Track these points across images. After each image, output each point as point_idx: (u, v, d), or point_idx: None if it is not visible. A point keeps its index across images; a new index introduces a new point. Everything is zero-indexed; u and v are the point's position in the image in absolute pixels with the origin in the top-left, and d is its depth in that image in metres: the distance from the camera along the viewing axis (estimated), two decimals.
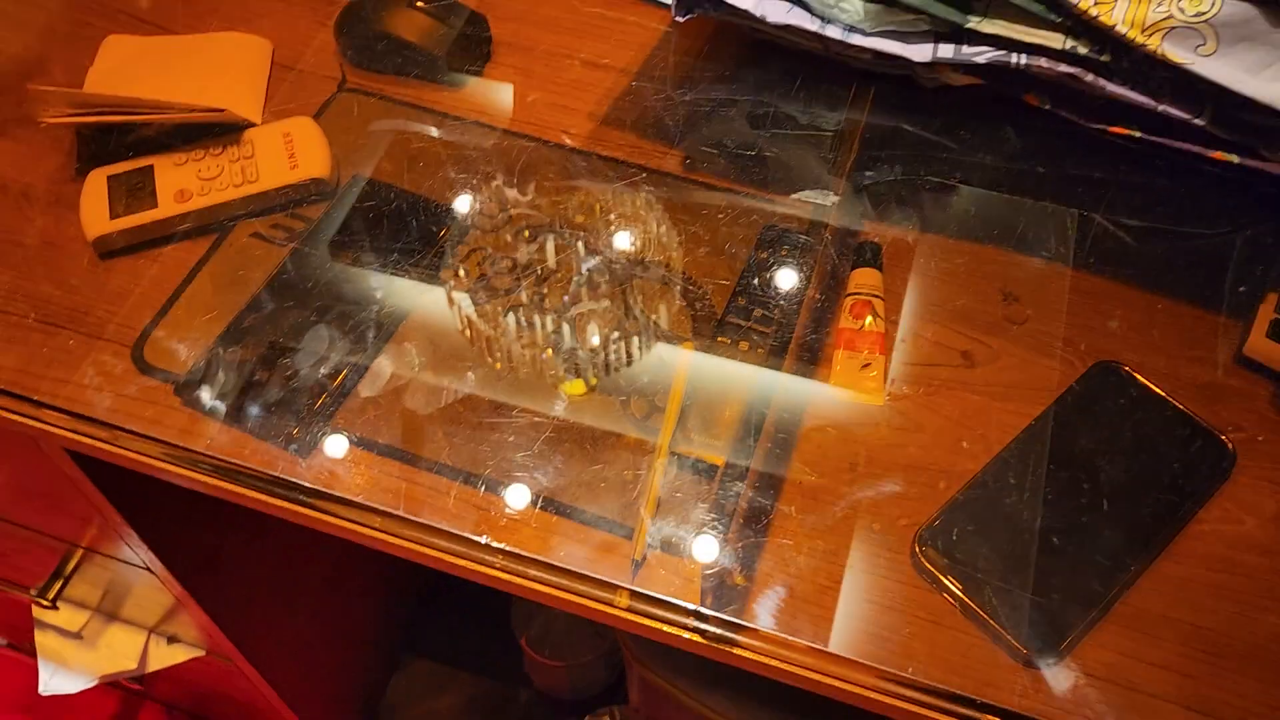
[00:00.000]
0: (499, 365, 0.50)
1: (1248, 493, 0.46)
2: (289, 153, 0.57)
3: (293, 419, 0.48)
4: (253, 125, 0.59)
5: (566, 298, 0.51)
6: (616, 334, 0.50)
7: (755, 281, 0.53)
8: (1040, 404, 0.49)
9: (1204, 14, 0.46)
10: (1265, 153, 0.51)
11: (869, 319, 0.52)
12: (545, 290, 0.52)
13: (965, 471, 0.47)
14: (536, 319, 0.50)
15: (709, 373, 0.49)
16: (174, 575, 0.65)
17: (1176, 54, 0.47)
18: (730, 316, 0.51)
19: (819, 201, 0.55)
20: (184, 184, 0.56)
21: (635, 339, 0.50)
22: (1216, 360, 0.50)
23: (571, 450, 0.47)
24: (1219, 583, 0.44)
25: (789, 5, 0.54)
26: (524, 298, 0.51)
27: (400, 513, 0.45)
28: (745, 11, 0.54)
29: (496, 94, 0.60)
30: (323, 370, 0.50)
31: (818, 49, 0.56)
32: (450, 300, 0.52)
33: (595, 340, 0.49)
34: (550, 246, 0.53)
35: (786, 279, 0.53)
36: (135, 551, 0.65)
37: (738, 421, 0.48)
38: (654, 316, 0.51)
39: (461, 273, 0.53)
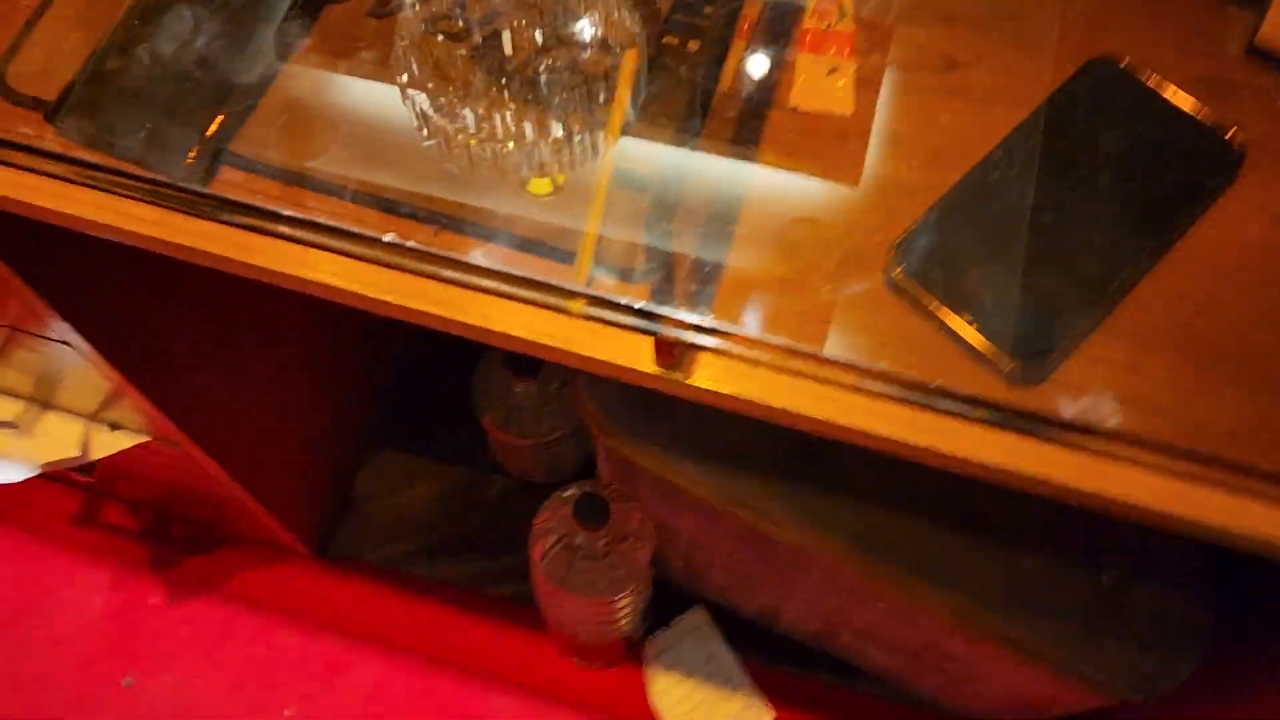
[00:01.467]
0: (460, 163, 0.43)
1: (1256, 194, 0.43)
2: None
3: (187, 140, 0.43)
4: None
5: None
6: (551, 39, 0.44)
7: None
8: (1029, 107, 0.44)
9: None
10: None
11: (836, 18, 0.46)
12: (507, 86, 0.45)
13: (945, 183, 0.43)
14: (499, 116, 0.44)
15: (654, 76, 0.44)
16: (100, 352, 0.61)
17: None
18: (677, 13, 0.45)
19: None
20: None
21: (571, 46, 0.44)
22: (1226, 53, 0.46)
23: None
24: (1220, 289, 0.40)
25: None
26: (482, 88, 0.44)
27: (333, 223, 0.40)
28: None
29: None
30: (223, 81, 0.44)
31: None
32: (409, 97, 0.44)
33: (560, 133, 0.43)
34: (511, 39, 0.46)
35: None
36: (56, 329, 0.61)
37: (688, 127, 0.43)
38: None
39: (418, 65, 0.45)
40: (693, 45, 0.45)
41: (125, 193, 0.42)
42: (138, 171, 0.42)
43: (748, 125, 0.44)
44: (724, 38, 0.45)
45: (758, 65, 0.45)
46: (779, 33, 0.46)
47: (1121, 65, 0.45)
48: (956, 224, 0.42)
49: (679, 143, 0.43)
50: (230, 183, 0.43)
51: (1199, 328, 0.40)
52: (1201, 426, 0.38)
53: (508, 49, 0.42)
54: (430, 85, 0.41)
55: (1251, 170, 0.43)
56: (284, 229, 0.41)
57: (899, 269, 0.40)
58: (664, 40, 0.45)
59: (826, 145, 0.44)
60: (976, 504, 0.67)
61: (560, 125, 0.41)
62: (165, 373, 0.67)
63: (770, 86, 0.45)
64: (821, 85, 0.45)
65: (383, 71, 0.45)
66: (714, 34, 0.45)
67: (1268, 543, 0.37)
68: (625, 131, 0.43)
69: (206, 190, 0.42)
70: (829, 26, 0.46)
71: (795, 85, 0.45)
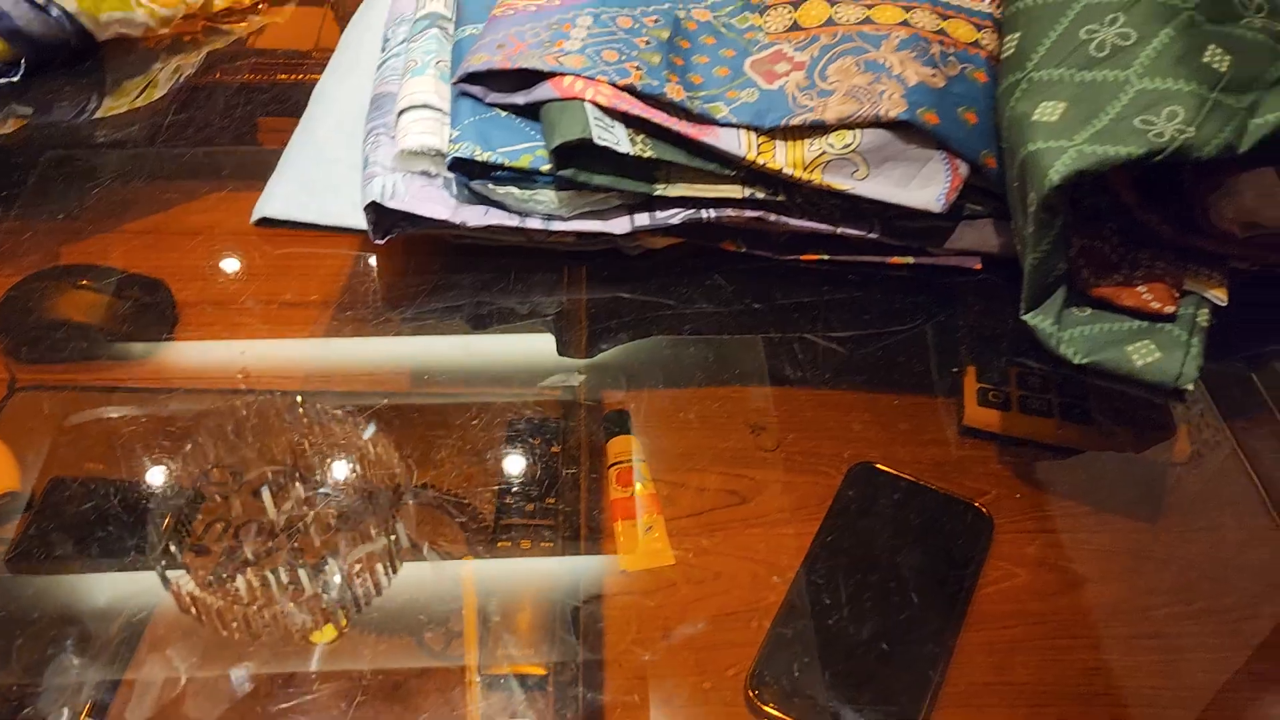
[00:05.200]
0: (240, 633, 0.48)
1: (1010, 547, 0.54)
2: None
3: None
4: None
5: (297, 544, 0.51)
6: (369, 566, 0.51)
7: (519, 477, 0.55)
8: (816, 519, 0.54)
9: (850, 145, 0.56)
10: (931, 249, 0.61)
11: (637, 484, 0.56)
12: (276, 545, 0.51)
13: (771, 604, 0.51)
14: (271, 575, 0.50)
15: (497, 582, 0.51)
16: None
17: (837, 182, 0.57)
18: (503, 518, 0.53)
19: (564, 384, 0.59)
20: None
21: (392, 570, 0.51)
22: (947, 438, 0.59)
23: (382, 708, 0.46)
24: (1017, 637, 0.50)
25: (485, 207, 0.59)
26: (251, 554, 0.50)
27: None
28: (443, 221, 0.58)
29: (193, 355, 0.60)
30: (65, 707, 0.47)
31: (523, 241, 0.61)
32: (172, 582, 0.50)
33: (338, 579, 0.49)
34: (271, 498, 0.53)
35: (548, 466, 0.56)
36: None
37: (540, 623, 0.50)
38: (420, 540, 0.52)
39: (178, 548, 0.51)
40: (524, 544, 0.52)
41: None
42: None
43: (590, 596, 0.51)
44: (554, 538, 0.53)
45: (586, 544, 0.53)
46: (592, 515, 0.55)
47: (877, 466, 0.57)
48: (788, 645, 0.49)
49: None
50: None
51: (1012, 674, 0.49)
52: None
53: (270, 510, 0.48)
54: (193, 563, 0.46)
55: (1000, 529, 0.54)
56: None
57: (757, 699, 0.47)
58: (499, 544, 0.52)
59: (662, 598, 0.51)
60: None
61: (338, 568, 0.46)
62: None
63: (599, 557, 0.53)
64: (641, 545, 0.54)
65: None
66: (542, 531, 0.53)
67: None
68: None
69: None
70: (632, 493, 0.56)
71: (620, 552, 0.53)
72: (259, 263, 0.65)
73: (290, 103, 0.77)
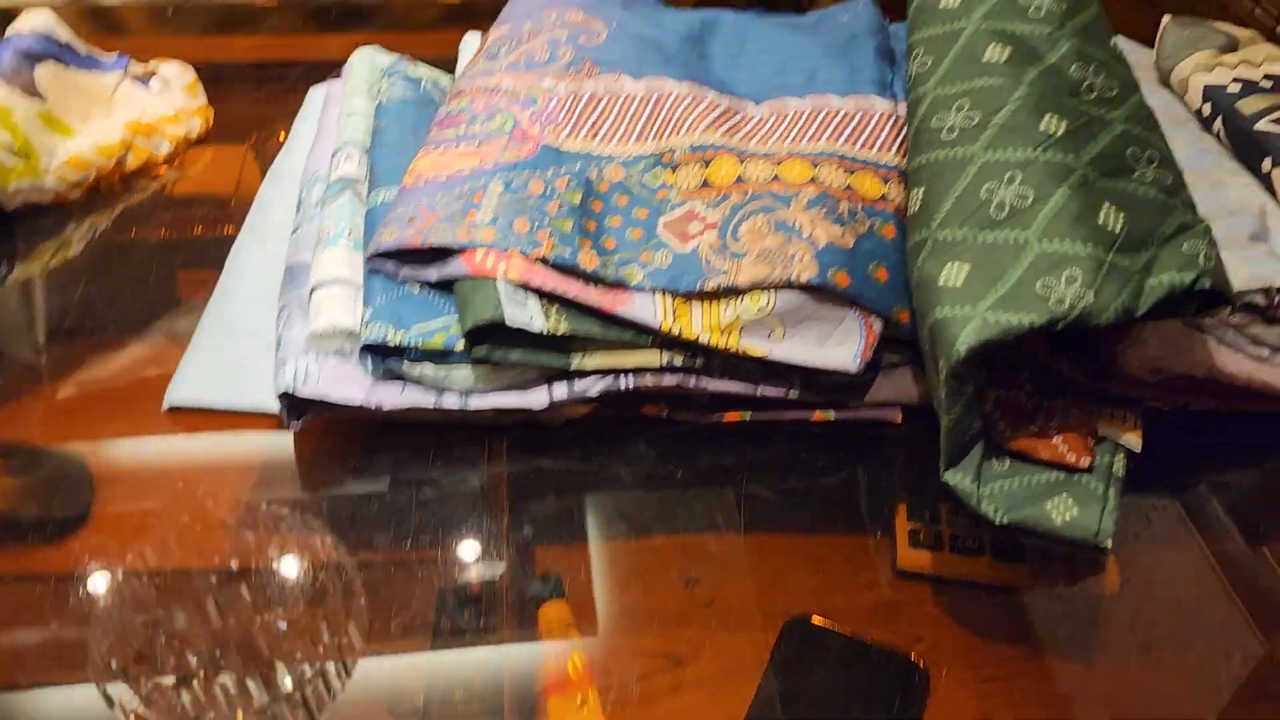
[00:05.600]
0: None
1: (950, 698, 0.53)
2: None
3: None
4: None
5: None
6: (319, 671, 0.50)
7: (448, 654, 0.54)
8: (754, 676, 0.54)
9: (765, 308, 0.57)
10: (854, 404, 0.62)
11: (569, 656, 0.55)
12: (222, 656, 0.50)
13: None
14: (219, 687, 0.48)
15: None
16: None
17: (754, 347, 0.57)
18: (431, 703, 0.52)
19: (489, 556, 0.58)
20: None
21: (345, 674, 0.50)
22: (881, 581, 0.59)
23: None
24: None
25: (401, 385, 0.59)
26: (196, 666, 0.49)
27: None
28: (358, 405, 0.58)
29: (106, 544, 0.59)
30: None
31: (437, 418, 0.61)
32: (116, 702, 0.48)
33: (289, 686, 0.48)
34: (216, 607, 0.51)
35: (475, 643, 0.55)
36: None
37: None
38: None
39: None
40: None
41: None
42: None
43: None
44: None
45: None
46: (524, 690, 0.54)
47: (811, 621, 0.57)
48: None
49: None
50: None
51: None
52: None
53: (214, 619, 0.46)
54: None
55: (937, 676, 0.54)
56: None
57: None
58: None
59: None
60: None
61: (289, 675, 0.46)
62: None
63: None
64: (573, 717, 0.53)
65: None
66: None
67: None
68: None
69: None
70: (564, 666, 0.55)
71: None
72: (170, 449, 0.64)
73: (210, 257, 0.76)
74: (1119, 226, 0.53)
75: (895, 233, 0.61)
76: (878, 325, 0.58)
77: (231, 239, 0.77)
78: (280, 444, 0.63)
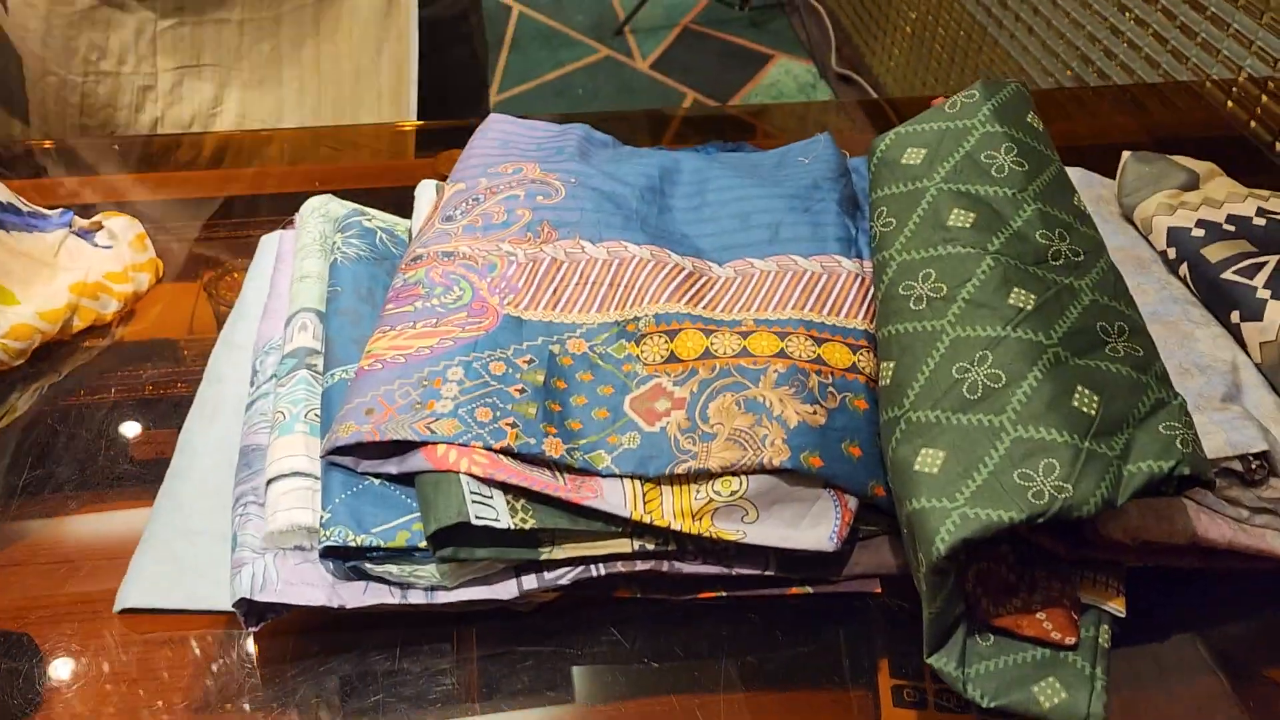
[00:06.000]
0: None
1: None
2: None
3: None
4: None
5: None
6: None
7: None
8: None
9: (737, 491, 0.56)
10: (831, 579, 0.60)
11: None
12: None
13: None
14: None
15: None
16: None
17: (727, 530, 0.56)
18: None
19: None
20: None
21: None
22: None
23: None
24: None
25: (364, 584, 0.57)
26: None
27: None
28: (320, 607, 0.56)
29: None
30: None
31: (408, 610, 0.59)
32: None
33: None
34: None
35: None
36: None
37: None
38: None
39: None
40: None
41: None
42: None
43: None
44: None
45: None
46: None
47: None
48: None
49: None
50: None
51: None
52: None
53: None
54: None
55: None
56: None
57: None
58: None
59: None
60: None
61: None
62: None
63: None
64: None
65: None
66: None
67: None
68: None
69: None
70: None
71: None
72: (126, 642, 0.61)
73: (164, 419, 0.74)
74: (1094, 409, 0.52)
75: (867, 405, 0.60)
76: (853, 503, 0.57)
77: (185, 398, 0.74)
78: (237, 642, 0.61)
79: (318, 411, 0.63)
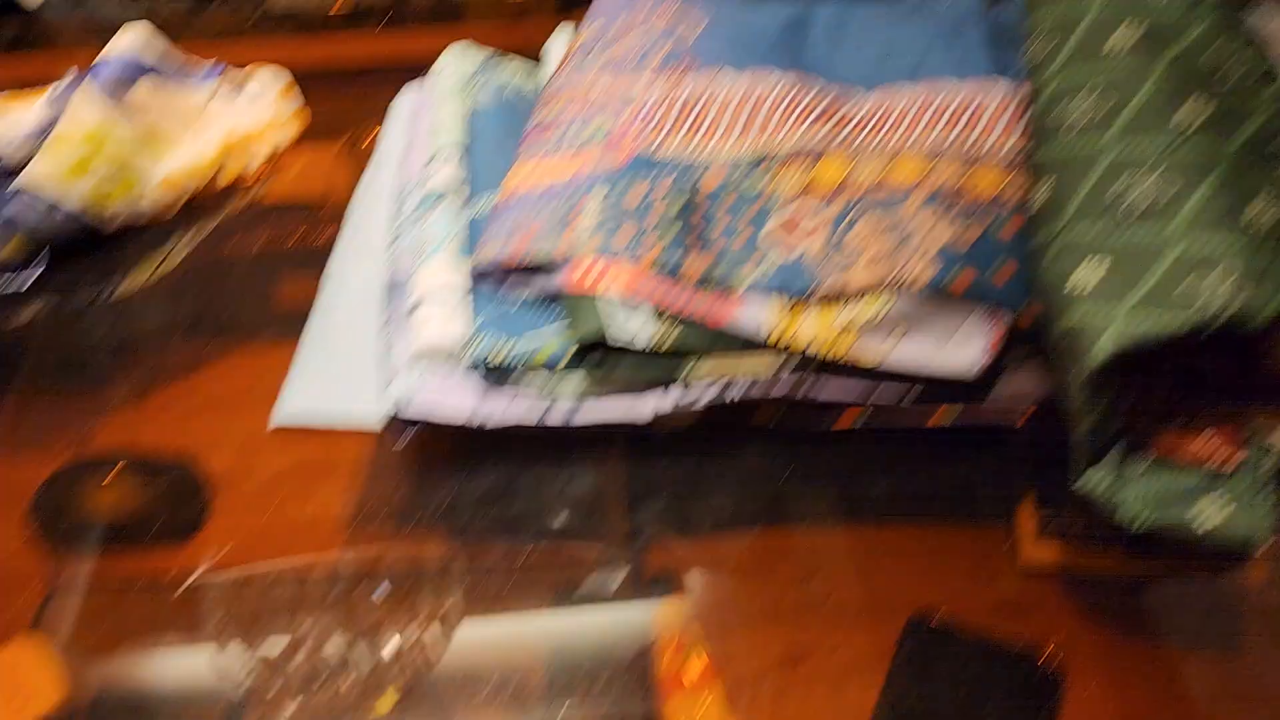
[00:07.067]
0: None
1: (1085, 701, 0.52)
2: (13, 690, 0.54)
3: None
4: None
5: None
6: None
7: (570, 655, 0.55)
8: (876, 675, 0.53)
9: (879, 313, 0.55)
10: (973, 408, 0.59)
11: (689, 655, 0.55)
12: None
13: None
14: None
15: None
16: None
17: (869, 352, 0.56)
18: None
19: (604, 557, 0.58)
20: None
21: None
22: (1008, 576, 0.57)
23: None
24: None
25: (506, 400, 0.58)
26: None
27: None
28: (464, 423, 0.58)
29: (228, 539, 0.60)
30: None
31: (546, 430, 0.60)
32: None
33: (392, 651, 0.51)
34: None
35: (591, 644, 0.55)
36: None
37: None
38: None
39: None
40: None
41: None
42: None
43: None
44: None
45: None
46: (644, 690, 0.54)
47: (934, 621, 0.55)
48: None
49: None
50: None
51: None
52: None
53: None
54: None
55: (1070, 683, 0.52)
56: None
57: None
58: None
59: None
60: None
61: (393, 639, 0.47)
62: None
63: None
64: (698, 717, 0.53)
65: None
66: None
67: None
68: None
69: None
70: (683, 666, 0.54)
71: None
72: (285, 457, 0.65)
73: (309, 266, 0.77)
74: (1271, 219, 0.50)
75: (1017, 230, 0.58)
76: (999, 328, 0.56)
77: (329, 246, 0.77)
78: (389, 456, 0.64)
79: (461, 240, 0.64)
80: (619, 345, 0.55)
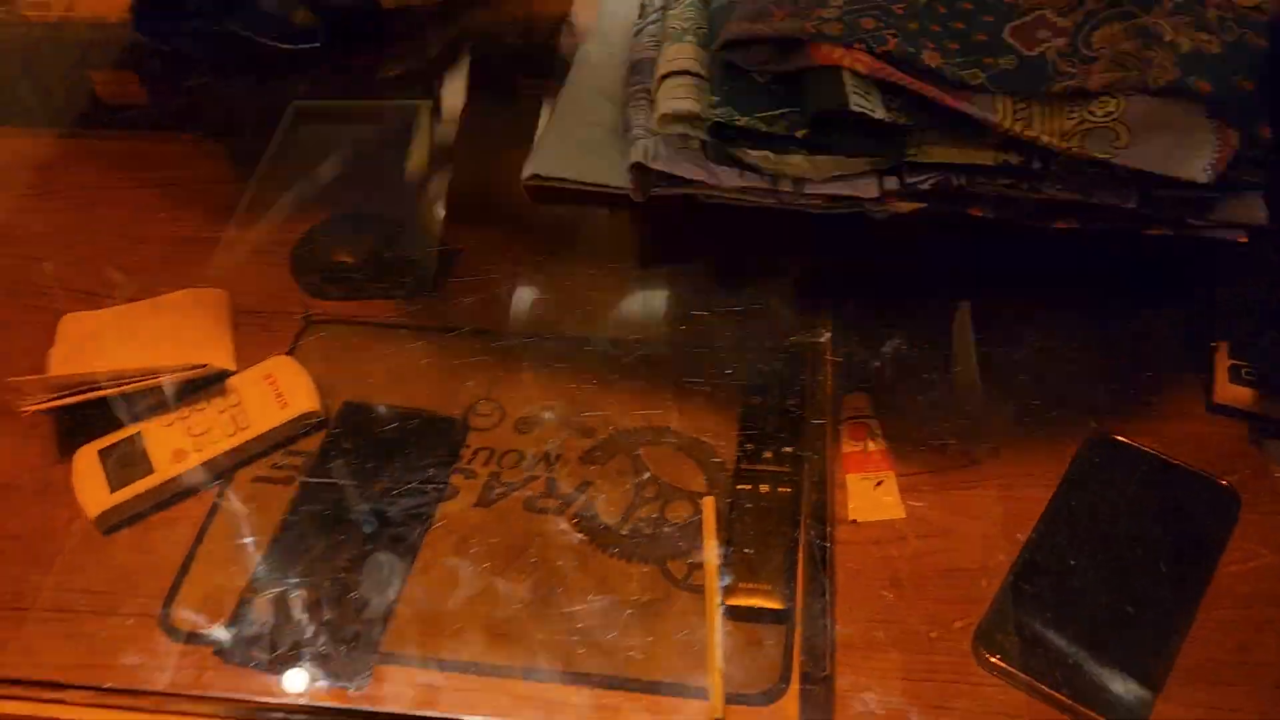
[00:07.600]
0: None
1: (1257, 529, 0.54)
2: (275, 393, 0.62)
3: (345, 653, 0.52)
4: (231, 373, 0.64)
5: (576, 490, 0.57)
6: (636, 500, 0.56)
7: (760, 425, 0.59)
8: (1049, 485, 0.56)
9: (1113, 113, 0.57)
10: (1192, 221, 0.61)
11: (869, 441, 0.59)
12: (557, 474, 0.57)
13: (999, 565, 0.53)
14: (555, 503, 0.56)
15: (736, 521, 0.55)
16: None
17: (1098, 151, 0.57)
18: (744, 463, 0.57)
19: (811, 340, 0.63)
20: (177, 444, 0.60)
21: (654, 502, 0.56)
22: (1193, 414, 0.59)
23: (629, 625, 0.52)
24: (1261, 618, 0.50)
25: (739, 169, 0.63)
26: (540, 487, 0.57)
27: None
28: (700, 182, 0.63)
29: (468, 300, 0.67)
30: (361, 597, 0.55)
31: (772, 203, 0.65)
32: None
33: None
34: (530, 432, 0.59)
35: (787, 417, 0.60)
36: None
37: (776, 562, 0.54)
38: (668, 479, 0.57)
39: (472, 475, 0.58)
40: (763, 488, 0.56)
41: None
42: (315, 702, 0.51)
43: (816, 547, 0.55)
44: (790, 485, 0.57)
45: (819, 493, 0.57)
46: (826, 466, 0.58)
47: (1116, 437, 0.58)
48: (1023, 603, 0.52)
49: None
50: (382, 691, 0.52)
51: (1256, 654, 0.49)
52: None
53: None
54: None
55: (1248, 508, 0.54)
56: None
57: (986, 652, 0.50)
58: (738, 487, 0.56)
59: (891, 549, 0.54)
60: None
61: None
62: None
63: (831, 507, 0.56)
64: (871, 498, 0.57)
65: None
66: (780, 476, 0.57)
67: None
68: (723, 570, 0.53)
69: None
70: (865, 449, 0.59)
71: (850, 503, 0.57)
72: (527, 217, 0.72)
73: (550, 65, 0.84)
74: None
75: (1267, 42, 0.58)
76: (1236, 138, 0.57)
77: (569, 48, 0.84)
78: (620, 222, 0.71)
79: (704, 30, 0.69)
80: (858, 113, 0.58)
